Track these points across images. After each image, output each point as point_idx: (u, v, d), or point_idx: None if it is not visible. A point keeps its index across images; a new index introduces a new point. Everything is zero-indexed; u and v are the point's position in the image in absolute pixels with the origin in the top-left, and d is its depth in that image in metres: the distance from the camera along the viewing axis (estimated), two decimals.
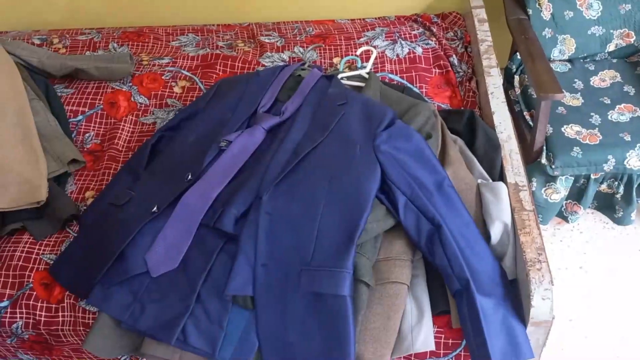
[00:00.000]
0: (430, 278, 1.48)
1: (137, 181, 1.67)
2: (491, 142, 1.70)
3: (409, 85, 1.96)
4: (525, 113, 2.04)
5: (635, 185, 1.92)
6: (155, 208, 1.53)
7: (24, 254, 1.59)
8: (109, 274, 1.46)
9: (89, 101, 2.00)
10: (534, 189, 1.95)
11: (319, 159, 1.54)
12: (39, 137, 1.77)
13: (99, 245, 1.52)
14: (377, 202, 1.48)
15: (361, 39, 2.14)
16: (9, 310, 1.53)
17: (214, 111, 1.77)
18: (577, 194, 2.00)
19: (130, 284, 1.44)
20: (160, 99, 2.01)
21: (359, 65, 1.93)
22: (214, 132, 1.69)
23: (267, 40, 2.20)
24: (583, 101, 2.03)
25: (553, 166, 1.87)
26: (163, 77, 2.06)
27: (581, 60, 2.18)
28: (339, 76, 1.83)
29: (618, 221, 2.03)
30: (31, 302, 1.53)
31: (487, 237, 1.50)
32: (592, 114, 1.97)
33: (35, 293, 1.54)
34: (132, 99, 2.00)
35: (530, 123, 1.99)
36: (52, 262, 1.58)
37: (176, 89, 2.03)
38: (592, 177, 1.92)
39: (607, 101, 2.02)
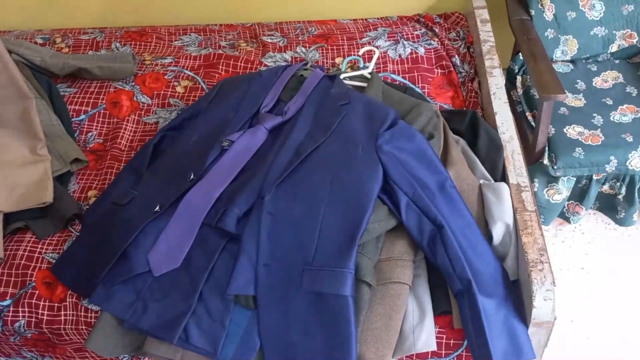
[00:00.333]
0: (432, 278, 1.48)
1: (140, 180, 1.67)
2: (493, 143, 1.70)
3: (411, 85, 1.96)
4: (527, 114, 2.04)
5: (638, 186, 1.92)
6: (157, 207, 1.53)
7: (26, 253, 1.60)
8: (112, 273, 1.46)
9: (91, 100, 2.00)
10: (536, 189, 1.95)
11: (321, 159, 1.54)
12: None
13: (102, 244, 1.53)
14: (379, 203, 1.48)
15: (363, 39, 2.14)
16: (11, 309, 1.53)
17: (216, 111, 1.77)
18: (579, 195, 2.00)
19: (133, 283, 1.45)
20: (162, 98, 2.01)
21: (361, 65, 1.94)
22: (217, 131, 1.69)
23: (269, 40, 2.20)
24: (585, 102, 2.03)
25: (555, 167, 1.87)
26: (165, 77, 2.06)
27: (583, 61, 2.18)
28: (341, 76, 1.83)
29: (620, 222, 2.03)
30: (33, 301, 1.53)
31: (489, 237, 1.50)
32: (594, 114, 1.97)
33: (37, 292, 1.54)
34: (134, 98, 2.01)
35: (533, 124, 1.99)
36: (54, 261, 1.59)
37: (178, 89, 2.04)
38: (594, 177, 1.92)
39: (610, 102, 2.02)
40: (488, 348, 1.31)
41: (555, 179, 1.93)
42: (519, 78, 2.15)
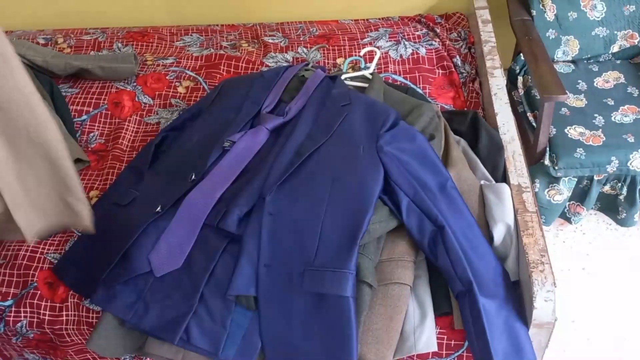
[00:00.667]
0: (433, 279, 1.48)
1: (141, 181, 1.68)
2: (494, 143, 1.71)
3: (412, 86, 1.96)
4: (528, 114, 2.04)
5: (639, 187, 1.92)
6: (159, 208, 1.53)
7: (28, 253, 1.60)
8: (113, 273, 1.47)
9: (93, 101, 2.00)
10: (537, 190, 1.95)
11: (322, 160, 1.55)
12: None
13: (103, 244, 1.53)
14: (380, 203, 1.48)
15: (365, 40, 2.14)
16: (13, 309, 1.54)
17: (218, 111, 1.78)
18: (580, 195, 2.00)
19: (134, 284, 1.45)
20: (164, 99, 2.02)
21: (363, 65, 1.94)
22: (218, 132, 1.69)
23: (270, 41, 2.21)
24: (587, 102, 2.03)
25: (556, 167, 1.87)
26: (167, 77, 2.07)
27: (585, 62, 2.18)
28: (343, 77, 1.83)
29: (621, 222, 2.03)
30: (35, 301, 1.54)
31: (489, 238, 1.50)
32: (595, 115, 1.97)
33: (39, 292, 1.55)
34: (136, 98, 2.01)
35: (534, 124, 1.99)
36: (56, 261, 1.59)
37: (180, 89, 2.04)
38: (595, 178, 1.92)
39: (611, 102, 2.02)
40: (489, 349, 1.31)
41: (556, 180, 1.93)
42: (520, 78, 2.15)
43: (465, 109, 1.93)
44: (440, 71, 2.01)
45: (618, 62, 2.17)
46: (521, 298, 1.44)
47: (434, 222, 1.45)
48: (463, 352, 1.44)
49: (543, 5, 2.09)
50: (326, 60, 2.10)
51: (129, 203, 1.61)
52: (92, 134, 1.93)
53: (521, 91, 2.12)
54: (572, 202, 2.02)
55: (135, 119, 1.96)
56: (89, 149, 1.90)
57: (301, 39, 2.21)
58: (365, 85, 1.84)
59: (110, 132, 1.94)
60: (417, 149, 1.55)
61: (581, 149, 1.86)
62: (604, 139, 1.88)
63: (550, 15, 2.10)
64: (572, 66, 2.17)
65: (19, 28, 2.46)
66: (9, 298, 1.55)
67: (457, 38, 2.19)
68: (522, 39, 2.03)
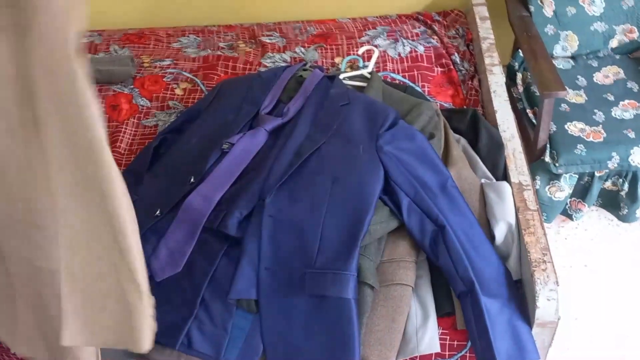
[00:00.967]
0: (435, 279, 1.48)
1: (140, 184, 1.67)
2: (494, 141, 1.70)
3: (411, 84, 1.95)
4: (528, 111, 2.03)
5: None
6: (158, 211, 1.52)
7: None
8: None
9: None
10: (537, 187, 1.94)
11: (321, 161, 1.54)
12: None
13: None
14: (381, 204, 1.48)
15: (363, 38, 2.13)
16: None
17: (216, 113, 1.77)
18: (581, 192, 1.99)
19: None
20: (162, 101, 2.00)
21: (361, 64, 1.93)
22: (216, 134, 1.68)
23: (268, 41, 2.19)
24: (586, 98, 2.02)
25: (557, 164, 1.86)
26: (164, 79, 2.06)
27: (584, 57, 2.17)
28: (341, 76, 1.82)
29: (623, 218, 2.02)
30: None
31: (491, 237, 1.50)
32: (595, 111, 1.96)
33: None
34: (133, 101, 2.00)
35: (534, 121, 1.98)
36: None
37: (177, 91, 2.03)
38: (597, 174, 1.91)
39: (611, 98, 2.01)
40: (492, 349, 1.31)
41: (557, 176, 1.92)
42: (519, 75, 2.14)
43: (465, 106, 1.92)
44: (439, 69, 2.00)
45: (617, 57, 2.16)
46: (524, 297, 1.43)
47: (435, 221, 1.44)
48: (466, 352, 1.43)
49: (541, 1, 2.08)
50: (324, 60, 2.09)
51: None
52: None
53: (520, 88, 2.11)
54: (573, 198, 2.01)
55: (133, 121, 1.95)
56: None
57: (299, 38, 2.20)
58: (364, 84, 1.83)
59: (108, 136, 1.91)
60: (417, 148, 1.55)
61: (582, 145, 1.85)
62: (605, 134, 1.87)
63: (548, 11, 2.09)
64: (572, 62, 2.16)
65: None
66: None
67: (455, 35, 2.17)
68: (521, 36, 2.02)
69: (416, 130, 1.59)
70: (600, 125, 1.91)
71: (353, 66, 2.00)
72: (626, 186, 1.93)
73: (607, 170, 1.90)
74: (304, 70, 1.84)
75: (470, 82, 2.00)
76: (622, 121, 1.92)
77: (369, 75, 1.85)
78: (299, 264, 1.40)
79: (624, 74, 2.09)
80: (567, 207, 2.04)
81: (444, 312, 1.43)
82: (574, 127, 1.91)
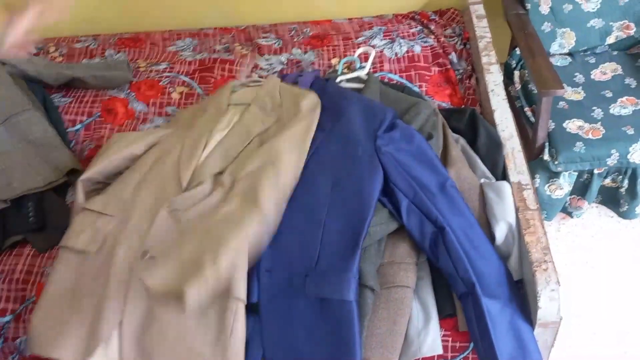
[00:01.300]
0: (436, 280, 1.47)
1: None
2: (493, 141, 1.69)
3: (408, 84, 1.94)
4: (526, 109, 2.02)
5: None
6: None
7: (26, 267, 1.58)
8: None
9: (86, 109, 1.98)
10: (537, 185, 1.93)
11: (320, 163, 1.53)
12: (38, 147, 1.76)
13: None
14: (380, 206, 1.47)
15: (359, 39, 2.12)
16: (12, 325, 1.52)
17: None
18: (581, 189, 1.98)
19: None
20: (158, 106, 1.99)
21: (358, 65, 1.92)
22: None
23: (264, 43, 2.18)
24: (584, 95, 2.01)
25: (556, 162, 1.85)
26: (161, 83, 2.05)
27: (581, 54, 2.17)
28: (338, 79, 1.81)
29: (623, 215, 2.02)
30: None
31: (491, 237, 1.49)
32: (594, 107, 1.96)
33: None
34: (129, 106, 1.99)
35: (532, 119, 1.97)
36: None
37: (174, 95, 2.02)
38: (596, 171, 1.91)
39: (609, 94, 2.00)
40: (494, 350, 1.30)
41: (556, 174, 1.91)
42: (516, 73, 2.13)
43: (463, 105, 1.91)
44: (436, 68, 2.00)
45: (615, 53, 2.16)
46: (525, 297, 1.42)
47: (435, 222, 1.43)
48: (468, 354, 1.42)
49: None
50: (321, 61, 2.08)
51: None
52: (86, 143, 1.91)
53: (518, 86, 2.10)
54: (573, 196, 2.00)
55: (129, 126, 1.94)
56: (84, 157, 1.87)
57: (295, 40, 2.19)
58: (361, 86, 1.82)
59: (105, 140, 1.91)
60: (416, 149, 1.54)
61: (581, 142, 1.84)
62: (604, 131, 1.87)
63: (545, 8, 2.09)
64: (569, 59, 2.16)
65: None
66: (8, 314, 1.53)
67: (452, 34, 2.17)
68: (518, 33, 2.02)
69: (414, 130, 1.58)
70: (599, 122, 1.90)
71: (350, 67, 1.99)
72: (626, 183, 1.93)
73: (606, 168, 1.89)
74: (300, 76, 1.83)
75: (467, 81, 1.99)
76: (621, 118, 1.91)
77: (366, 77, 1.84)
78: (300, 266, 1.39)
79: (621, 70, 2.09)
80: (567, 204, 2.03)
81: (446, 314, 1.42)
82: (573, 125, 1.90)
